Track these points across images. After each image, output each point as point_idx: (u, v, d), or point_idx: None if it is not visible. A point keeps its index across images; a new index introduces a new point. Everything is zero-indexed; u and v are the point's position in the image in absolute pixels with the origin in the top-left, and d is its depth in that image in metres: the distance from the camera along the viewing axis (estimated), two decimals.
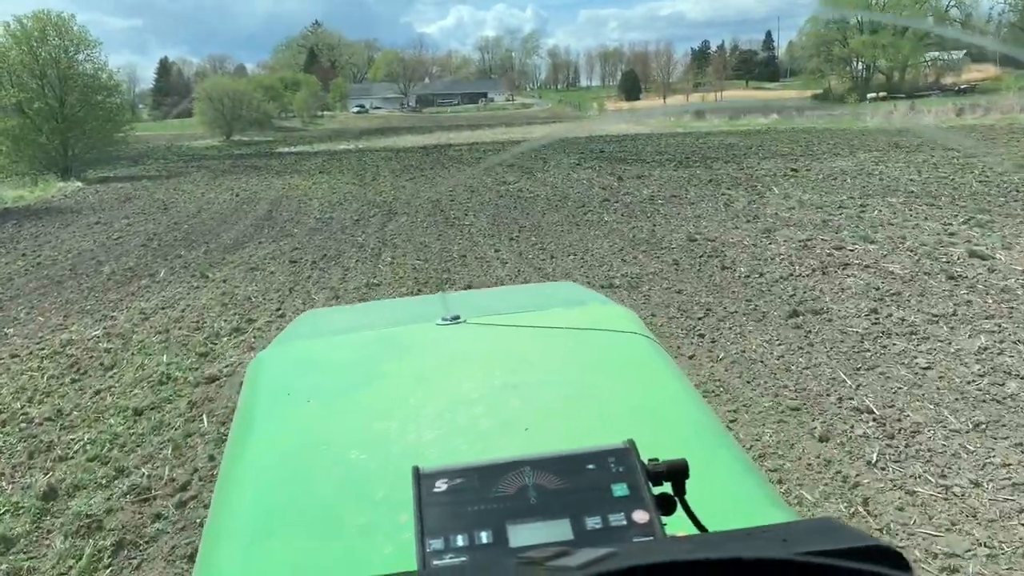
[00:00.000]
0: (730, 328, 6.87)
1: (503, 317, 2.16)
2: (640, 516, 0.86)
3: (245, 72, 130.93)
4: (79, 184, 29.49)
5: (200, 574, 1.27)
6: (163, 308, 9.14)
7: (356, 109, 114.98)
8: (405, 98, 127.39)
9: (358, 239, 13.54)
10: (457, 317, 2.13)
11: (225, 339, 7.53)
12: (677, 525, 0.93)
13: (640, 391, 1.72)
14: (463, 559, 0.83)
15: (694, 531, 0.94)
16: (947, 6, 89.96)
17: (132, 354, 7.23)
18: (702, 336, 6.74)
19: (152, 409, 5.67)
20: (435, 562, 0.83)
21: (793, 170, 19.34)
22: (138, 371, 6.65)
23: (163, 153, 49.44)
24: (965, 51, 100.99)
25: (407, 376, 1.82)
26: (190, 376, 6.37)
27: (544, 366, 1.85)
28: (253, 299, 9.26)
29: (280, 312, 8.43)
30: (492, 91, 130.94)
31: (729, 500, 1.28)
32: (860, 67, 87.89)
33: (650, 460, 0.94)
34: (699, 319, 7.20)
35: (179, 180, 29.34)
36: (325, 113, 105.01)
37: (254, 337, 7.49)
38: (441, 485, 0.91)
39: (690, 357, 6.20)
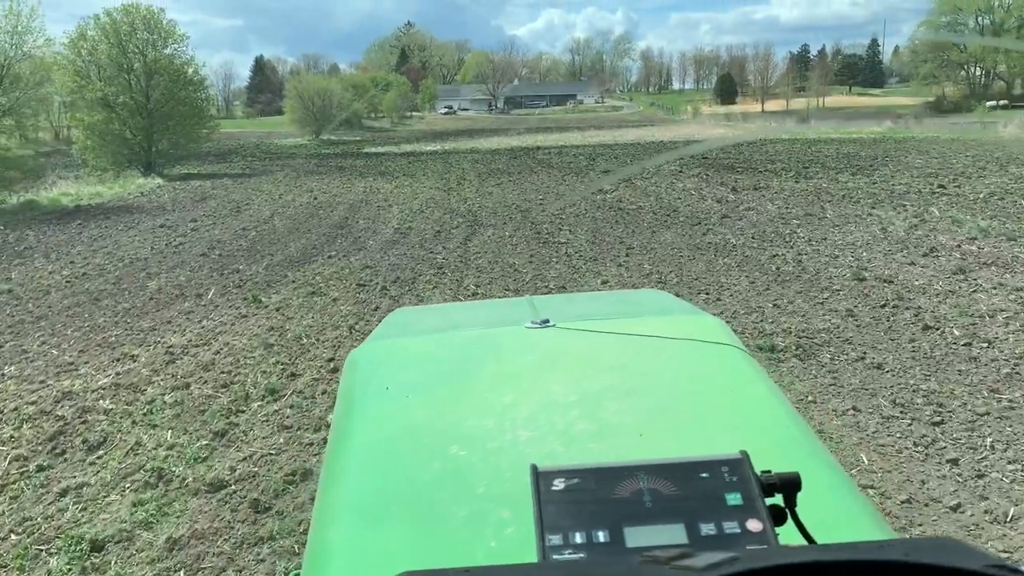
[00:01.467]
0: (997, 449, 4.61)
1: (593, 323, 2.14)
2: (754, 525, 0.85)
3: (338, 71, 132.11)
4: (159, 181, 28.68)
5: (311, 556, 1.29)
6: (196, 346, 7.41)
7: (444, 110, 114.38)
8: (493, 99, 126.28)
9: (437, 258, 11.66)
10: (547, 321, 2.12)
11: (256, 406, 5.68)
12: (786, 538, 0.89)
13: (737, 402, 1.70)
14: (582, 555, 0.83)
15: (804, 544, 0.91)
16: None
17: (133, 422, 5.44)
18: (954, 464, 4.39)
19: (115, 543, 3.81)
20: (555, 556, 0.83)
21: (941, 187, 16.63)
22: (128, 457, 4.85)
23: (251, 150, 48.99)
24: None
25: (500, 376, 1.84)
26: (190, 477, 4.51)
27: (638, 373, 1.83)
28: (304, 339, 7.43)
29: (333, 364, 6.55)
30: (581, 93, 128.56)
31: (833, 516, 1.25)
32: (978, 73, 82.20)
33: (763, 472, 0.92)
34: (933, 424, 4.90)
35: (261, 179, 28.21)
36: (413, 114, 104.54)
37: (290, 405, 5.61)
38: (559, 484, 0.91)
39: (954, 508, 3.98)
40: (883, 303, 7.50)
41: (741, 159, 27.61)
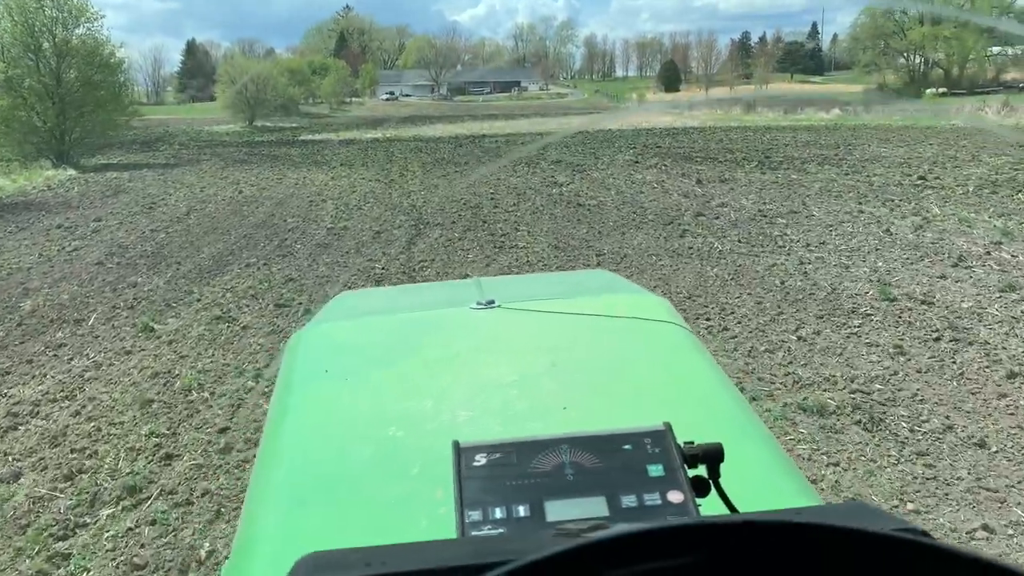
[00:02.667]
0: None
1: (538, 303, 2.14)
2: (675, 496, 0.86)
3: (275, 56, 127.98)
4: (72, 172, 26.14)
5: (240, 541, 1.28)
6: (53, 401, 5.60)
7: (386, 96, 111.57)
8: (436, 86, 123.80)
9: (376, 267, 9.93)
10: (492, 302, 2.11)
11: (104, 516, 3.92)
12: (710, 508, 0.90)
13: (674, 377, 1.73)
14: (501, 531, 0.83)
15: (727, 514, 0.91)
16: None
17: None
18: None
19: None
20: (473, 532, 0.83)
21: (921, 178, 15.45)
22: None
23: (180, 138, 46.11)
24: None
25: (443, 357, 1.84)
26: None
27: (579, 352, 1.85)
28: (195, 393, 5.67)
29: (225, 440, 4.79)
30: (526, 80, 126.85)
31: (760, 486, 1.28)
32: (918, 61, 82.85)
33: (686, 443, 0.93)
34: None
35: (184, 170, 25.91)
36: (353, 100, 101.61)
37: (152, 520, 3.86)
38: (480, 459, 0.90)
39: None
40: (935, 335, 6.02)
41: (697, 148, 26.33)
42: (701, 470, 0.93)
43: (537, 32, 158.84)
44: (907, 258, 8.50)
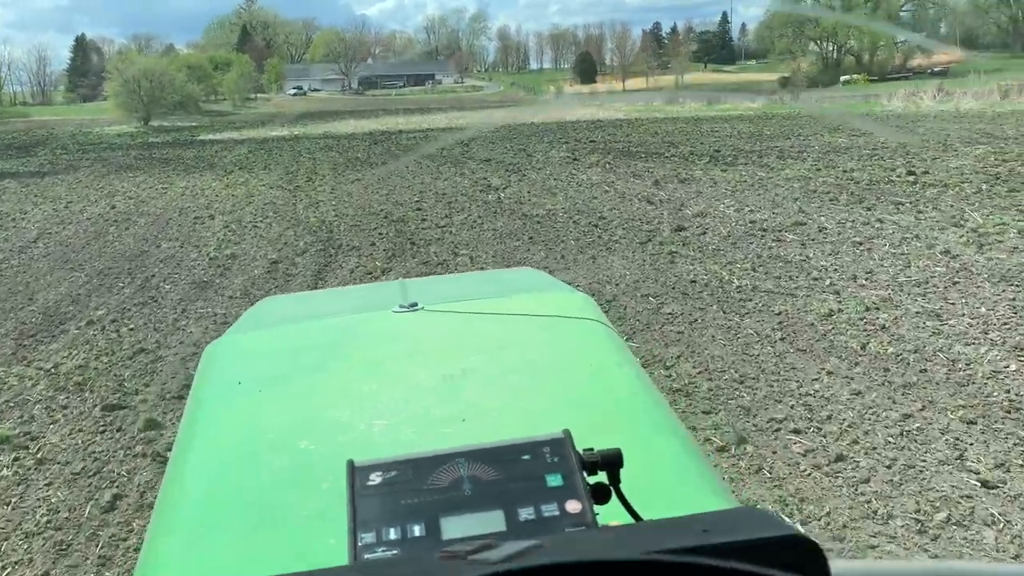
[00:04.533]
0: None
1: (461, 304, 2.11)
2: (573, 506, 0.84)
3: (174, 52, 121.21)
4: None
5: (143, 565, 1.22)
6: None
7: (293, 91, 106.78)
8: (347, 80, 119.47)
9: None
10: (415, 304, 2.07)
11: None
12: (614, 514, 0.89)
13: (590, 378, 1.71)
14: (395, 552, 0.81)
15: (629, 520, 0.91)
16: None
17: None
18: None
19: None
20: (366, 556, 0.82)
21: (910, 173, 13.48)
22: None
23: (64, 141, 41.58)
24: (925, 34, 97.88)
25: (361, 365, 1.80)
26: None
27: (498, 354, 1.81)
28: None
29: None
30: (440, 73, 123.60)
31: (669, 487, 1.27)
32: (831, 48, 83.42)
33: (585, 450, 0.91)
34: None
35: (56, 180, 22.26)
36: (259, 96, 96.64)
37: None
38: (375, 478, 0.88)
39: None
40: None
41: (634, 142, 24.15)
42: (603, 476, 0.90)
43: (449, 24, 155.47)
44: (1014, 298, 6.19)
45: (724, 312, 6.33)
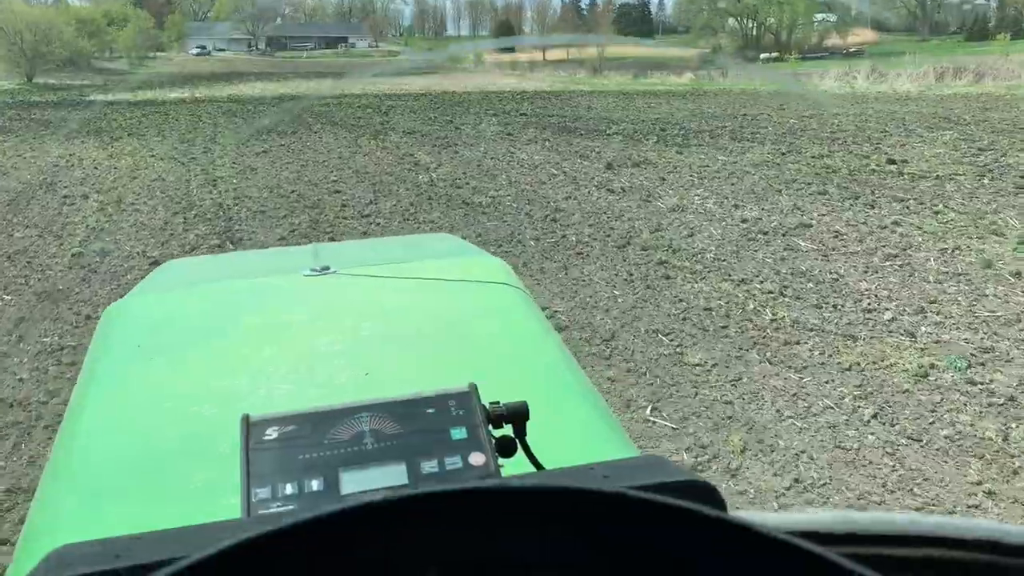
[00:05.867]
0: None
1: (373, 268, 2.07)
2: (477, 458, 0.83)
3: (67, 4, 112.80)
4: None
5: (26, 538, 1.18)
6: None
7: (196, 51, 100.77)
8: (254, 40, 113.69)
9: None
10: (327, 268, 2.03)
11: None
12: (520, 468, 0.87)
13: (500, 338, 1.69)
14: (291, 507, 0.79)
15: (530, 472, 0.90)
16: None
17: None
18: None
19: None
20: (261, 511, 0.80)
21: (891, 162, 12.16)
22: None
23: None
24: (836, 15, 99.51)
25: (266, 329, 1.73)
26: None
27: (410, 318, 1.79)
28: None
29: None
30: (353, 36, 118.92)
31: (575, 441, 1.28)
32: (751, 25, 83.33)
33: (491, 403, 0.91)
34: None
35: None
36: (158, 54, 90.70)
37: None
38: (271, 433, 0.85)
39: None
40: None
41: (568, 116, 22.41)
42: (508, 430, 0.90)
43: None
44: None
45: (771, 363, 4.64)
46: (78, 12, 79.29)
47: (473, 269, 2.11)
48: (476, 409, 0.88)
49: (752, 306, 5.61)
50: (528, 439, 0.92)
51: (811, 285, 6.04)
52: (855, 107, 21.94)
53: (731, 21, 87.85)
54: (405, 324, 1.73)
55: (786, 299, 5.77)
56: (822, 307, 5.54)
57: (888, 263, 6.54)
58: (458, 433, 0.85)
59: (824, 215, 8.51)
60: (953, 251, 6.82)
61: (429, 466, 0.82)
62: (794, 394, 4.22)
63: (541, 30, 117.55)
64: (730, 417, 3.99)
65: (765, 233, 7.76)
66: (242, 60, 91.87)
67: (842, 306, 5.53)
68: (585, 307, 5.84)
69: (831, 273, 6.32)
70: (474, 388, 0.90)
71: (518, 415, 0.91)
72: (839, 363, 4.59)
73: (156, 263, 7.78)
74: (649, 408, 4.13)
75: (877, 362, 4.55)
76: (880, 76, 31.73)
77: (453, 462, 0.82)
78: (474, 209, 9.99)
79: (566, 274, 6.80)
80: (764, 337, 5.03)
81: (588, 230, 8.43)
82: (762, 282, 6.21)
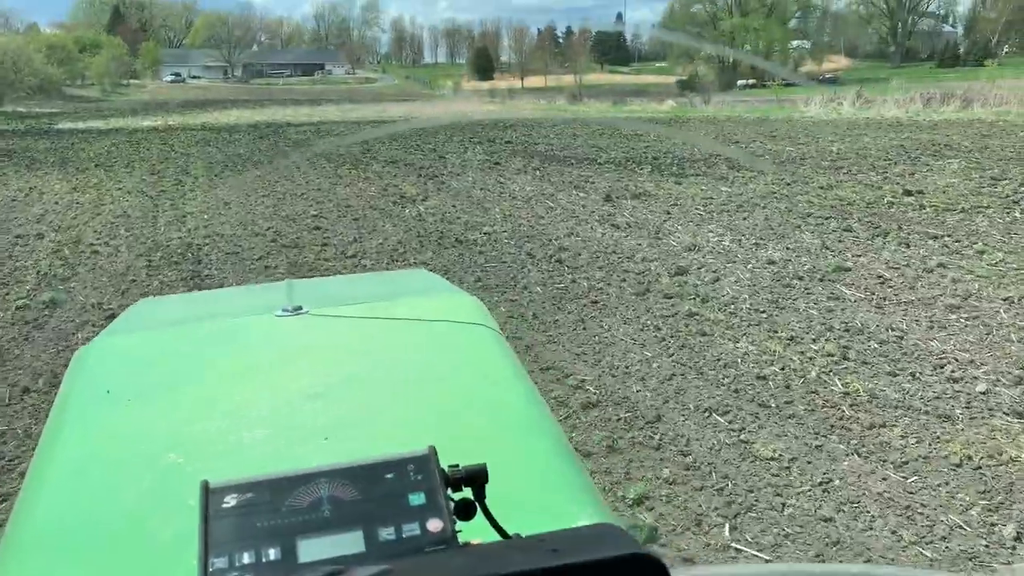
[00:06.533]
0: None
1: (346, 308, 2.04)
2: (434, 524, 0.82)
3: (38, 31, 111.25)
4: None
5: None
6: None
7: (171, 77, 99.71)
8: (230, 67, 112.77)
9: None
10: (299, 308, 1.99)
11: None
12: (482, 530, 0.87)
13: (470, 386, 1.67)
14: None
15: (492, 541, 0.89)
16: None
17: None
18: None
19: None
20: None
21: (907, 193, 11.46)
22: None
23: None
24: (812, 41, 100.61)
25: (237, 373, 1.70)
26: None
27: (380, 360, 1.78)
28: None
29: None
30: (330, 63, 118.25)
31: (541, 500, 1.27)
32: (728, 52, 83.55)
33: (451, 466, 0.89)
34: None
35: None
36: (132, 82, 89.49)
37: None
38: (230, 500, 0.84)
39: None
40: None
41: (556, 145, 21.64)
42: (470, 492, 0.88)
43: (340, 13, 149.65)
44: None
45: (861, 457, 3.77)
46: (48, 39, 78.02)
47: (447, 308, 2.08)
48: (435, 473, 0.86)
49: (814, 373, 4.77)
50: (492, 496, 0.89)
51: (874, 345, 5.21)
52: (849, 133, 21.40)
53: (708, 48, 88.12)
54: (375, 369, 1.72)
55: (850, 364, 4.93)
56: (897, 375, 4.70)
57: (953, 316, 5.73)
58: (416, 499, 0.84)
59: (859, 256, 7.72)
60: (1020, 300, 6.03)
61: (386, 533, 0.81)
62: (906, 506, 3.36)
63: (519, 57, 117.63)
64: (836, 543, 3.12)
65: (800, 278, 6.95)
66: (217, 87, 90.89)
67: (921, 374, 4.69)
68: (616, 374, 4.97)
69: (892, 329, 5.50)
70: (433, 451, 0.88)
71: (477, 478, 0.88)
72: (945, 456, 3.74)
73: (112, 316, 6.83)
74: (727, 527, 3.25)
75: (993, 456, 3.71)
76: (867, 102, 31.39)
77: (411, 528, 0.81)
78: (469, 248, 9.13)
79: (584, 329, 5.94)
80: (841, 418, 4.18)
81: (599, 273, 7.59)
82: (815, 340, 5.37)
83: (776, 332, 5.57)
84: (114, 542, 1.16)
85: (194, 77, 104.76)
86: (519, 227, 10.22)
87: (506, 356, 1.78)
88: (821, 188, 12.37)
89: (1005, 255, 7.49)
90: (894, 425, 4.05)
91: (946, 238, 8.41)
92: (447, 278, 7.52)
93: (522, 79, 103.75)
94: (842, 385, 4.57)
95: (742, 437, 4.02)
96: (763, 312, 6.06)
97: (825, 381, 4.66)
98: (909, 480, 3.57)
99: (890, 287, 6.56)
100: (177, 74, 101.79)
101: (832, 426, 4.08)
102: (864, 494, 3.46)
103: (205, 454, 1.35)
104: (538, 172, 15.73)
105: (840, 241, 8.46)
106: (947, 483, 3.53)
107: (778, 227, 9.39)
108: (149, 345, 1.95)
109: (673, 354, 5.27)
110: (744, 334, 5.58)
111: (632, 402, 4.50)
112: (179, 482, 1.27)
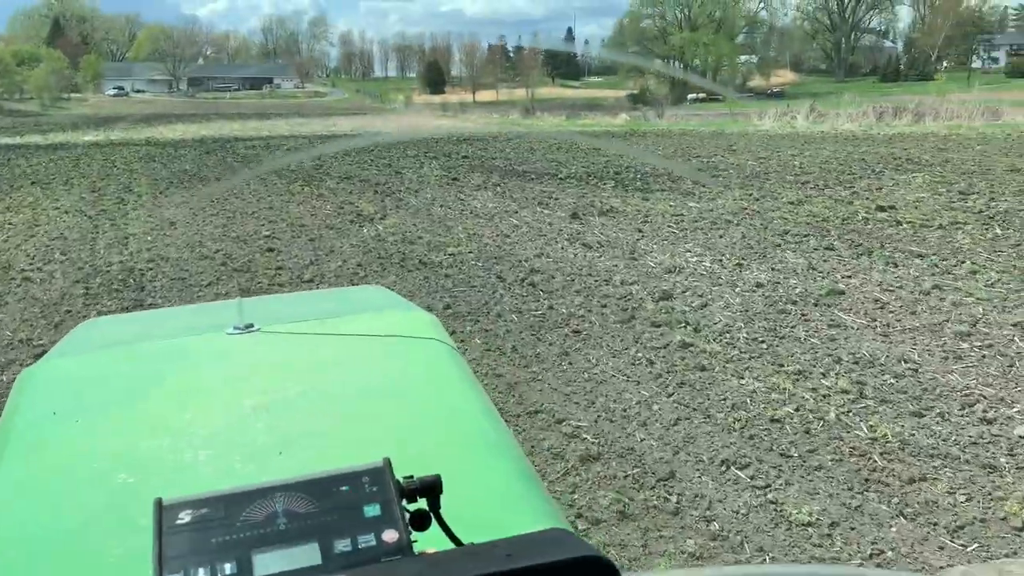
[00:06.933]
0: None
1: (298, 325, 2.00)
2: (390, 535, 0.83)
3: None
4: None
5: None
6: None
7: (114, 91, 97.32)
8: (175, 80, 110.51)
9: None
10: (250, 325, 1.94)
11: None
12: (438, 541, 0.87)
13: (425, 400, 1.67)
14: None
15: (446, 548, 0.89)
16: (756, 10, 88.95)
17: None
18: None
19: None
20: None
21: (880, 208, 11.22)
22: None
23: None
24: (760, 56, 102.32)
25: (187, 392, 1.68)
26: None
27: (332, 378, 1.74)
28: None
29: None
30: (279, 77, 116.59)
31: (496, 510, 1.25)
32: (678, 66, 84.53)
33: (405, 477, 0.89)
34: None
35: None
36: (73, 95, 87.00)
37: None
38: (185, 516, 0.84)
39: None
40: None
41: (513, 159, 21.17)
42: (424, 503, 0.89)
43: (288, 27, 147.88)
44: None
45: (909, 520, 3.30)
46: None
47: (401, 324, 2.05)
48: (389, 485, 0.86)
49: (832, 415, 4.31)
50: (447, 508, 0.90)
51: (890, 380, 4.78)
52: (808, 147, 21.35)
53: (657, 62, 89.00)
54: (328, 385, 1.68)
55: (869, 403, 4.49)
56: (924, 415, 4.27)
57: (965, 344, 5.35)
58: (371, 510, 0.84)
59: (848, 277, 7.36)
60: None
61: (342, 545, 0.81)
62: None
63: (470, 71, 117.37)
64: None
65: (794, 302, 6.54)
66: (162, 101, 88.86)
67: (949, 414, 4.27)
68: (614, 419, 4.46)
69: (904, 361, 5.09)
70: (387, 463, 0.89)
71: (431, 488, 0.88)
72: (1003, 518, 3.30)
73: (43, 352, 6.13)
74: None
75: None
76: (820, 116, 31.62)
77: (366, 540, 0.81)
78: (434, 270, 8.58)
79: (569, 364, 5.43)
80: (875, 469, 3.73)
81: (577, 298, 7.09)
82: (825, 375, 4.93)
83: (781, 365, 5.12)
84: (64, 562, 1.14)
85: (138, 91, 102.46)
86: (485, 247, 9.70)
87: (460, 370, 1.76)
88: (791, 203, 12.10)
89: (999, 275, 7.18)
90: (935, 478, 3.61)
91: (932, 256, 8.11)
92: (414, 303, 6.99)
93: (474, 93, 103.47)
94: (867, 429, 4.12)
95: (770, 496, 3.54)
96: (762, 342, 5.62)
97: (847, 424, 4.21)
98: (970, 549, 3.12)
99: (890, 312, 6.18)
100: (120, 88, 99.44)
101: (867, 480, 3.63)
102: (923, 568, 2.99)
103: (156, 472, 1.33)
104: (499, 188, 15.25)
105: (825, 261, 8.10)
106: (1015, 551, 3.09)
107: (757, 245, 9.02)
108: (96, 365, 1.91)
109: (673, 393, 4.78)
110: (747, 368, 5.12)
111: (638, 453, 3.99)
112: (130, 501, 1.23)
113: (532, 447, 4.07)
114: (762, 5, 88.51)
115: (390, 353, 1.88)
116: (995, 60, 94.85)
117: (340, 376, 1.75)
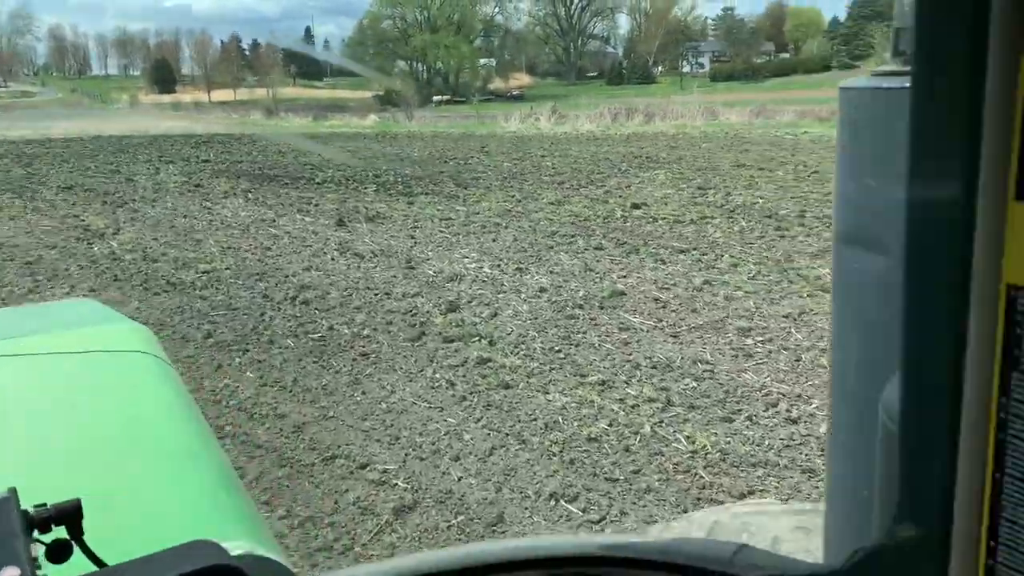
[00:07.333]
0: None
1: None
2: (11, 572, 0.77)
3: None
4: None
5: None
6: None
7: None
8: None
9: None
10: None
11: None
12: (84, 567, 0.83)
13: (128, 416, 1.57)
14: None
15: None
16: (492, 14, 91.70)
17: None
18: None
19: None
20: None
21: (635, 206, 11.68)
22: None
23: None
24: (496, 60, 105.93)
25: None
26: None
27: (28, 398, 1.62)
28: None
29: None
30: None
31: (196, 528, 1.17)
32: (421, 68, 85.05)
33: (37, 506, 0.83)
34: None
35: None
36: None
37: None
38: None
39: None
40: None
41: (264, 163, 19.99)
42: (64, 531, 0.84)
43: None
44: None
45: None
46: None
47: (109, 338, 1.94)
48: (14, 517, 0.81)
49: (648, 428, 4.16)
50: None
51: (692, 384, 4.75)
52: (556, 147, 22.08)
53: (401, 64, 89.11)
54: (19, 404, 1.57)
55: (678, 410, 4.39)
56: (733, 420, 4.24)
57: (750, 340, 5.49)
58: None
59: (624, 276, 7.43)
60: (800, 316, 5.99)
61: None
62: None
63: (203, 69, 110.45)
64: None
65: (580, 306, 6.44)
66: None
67: (757, 417, 4.26)
68: (423, 455, 3.99)
69: (699, 362, 5.10)
70: (13, 493, 0.83)
71: (71, 515, 0.84)
72: None
73: None
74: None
75: None
76: (561, 117, 33.01)
77: None
78: (186, 292, 7.61)
79: (363, 394, 4.88)
80: (704, 487, 3.58)
81: (359, 316, 6.53)
82: (628, 382, 4.81)
83: (584, 376, 4.93)
84: None
85: None
86: (245, 262, 8.82)
87: (169, 384, 1.71)
88: (552, 204, 12.27)
89: (757, 267, 7.60)
90: (764, 489, 3.54)
91: (693, 251, 8.46)
92: (165, 332, 6.07)
93: (209, 92, 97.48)
94: (685, 440, 4.00)
95: (609, 532, 3.28)
96: (559, 351, 5.42)
97: (663, 437, 4.07)
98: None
99: (672, 311, 6.26)
100: None
101: (699, 499, 3.47)
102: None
103: None
104: (250, 195, 14.18)
105: (599, 261, 8.17)
106: None
107: (531, 248, 8.95)
108: None
109: (481, 418, 4.41)
110: (550, 381, 4.88)
111: (458, 496, 3.56)
112: None
113: (335, 502, 3.52)
114: (497, 9, 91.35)
115: (94, 369, 1.77)
116: (701, 65, 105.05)
117: (33, 397, 1.63)
